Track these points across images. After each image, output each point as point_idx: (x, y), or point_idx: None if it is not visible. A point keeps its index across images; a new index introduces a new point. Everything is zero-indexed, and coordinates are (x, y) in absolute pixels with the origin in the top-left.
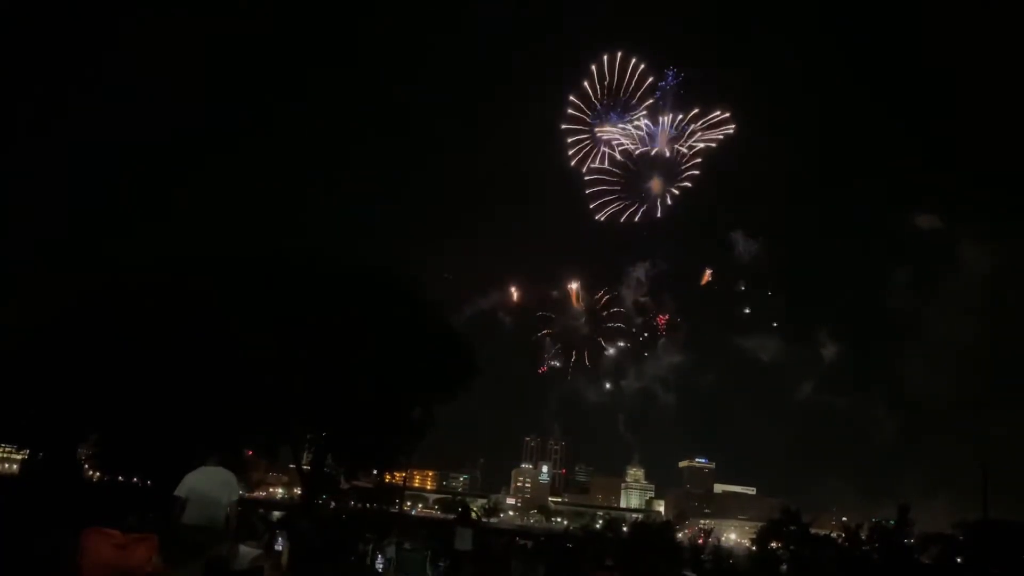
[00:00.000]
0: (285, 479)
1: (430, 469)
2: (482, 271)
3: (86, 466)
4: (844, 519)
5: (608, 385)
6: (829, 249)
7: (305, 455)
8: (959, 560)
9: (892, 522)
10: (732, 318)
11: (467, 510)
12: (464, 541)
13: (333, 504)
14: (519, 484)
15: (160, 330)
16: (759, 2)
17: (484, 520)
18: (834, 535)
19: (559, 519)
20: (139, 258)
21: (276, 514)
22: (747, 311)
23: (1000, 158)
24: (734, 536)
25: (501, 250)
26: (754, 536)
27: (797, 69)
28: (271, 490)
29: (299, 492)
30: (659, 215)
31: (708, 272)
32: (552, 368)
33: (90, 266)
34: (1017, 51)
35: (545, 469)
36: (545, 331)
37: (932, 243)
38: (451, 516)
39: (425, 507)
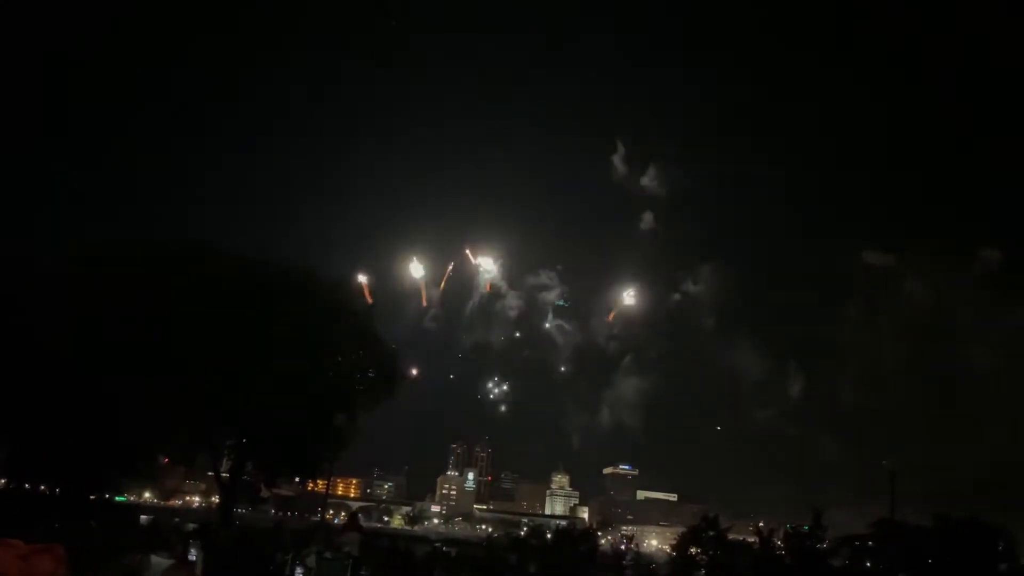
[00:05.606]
0: (203, 487)
1: (354, 477)
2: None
3: None
4: (760, 524)
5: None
6: (780, 277)
7: (224, 462)
8: (868, 564)
9: (807, 527)
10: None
11: (355, 516)
12: (352, 547)
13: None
14: (444, 491)
15: (69, 332)
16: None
17: (408, 527)
18: (751, 540)
19: (484, 526)
20: (43, 252)
21: (191, 526)
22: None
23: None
24: (655, 542)
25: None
26: (674, 542)
27: (763, 108)
28: (187, 499)
29: (216, 501)
30: None
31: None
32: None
33: None
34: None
35: (471, 476)
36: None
37: (869, 276)
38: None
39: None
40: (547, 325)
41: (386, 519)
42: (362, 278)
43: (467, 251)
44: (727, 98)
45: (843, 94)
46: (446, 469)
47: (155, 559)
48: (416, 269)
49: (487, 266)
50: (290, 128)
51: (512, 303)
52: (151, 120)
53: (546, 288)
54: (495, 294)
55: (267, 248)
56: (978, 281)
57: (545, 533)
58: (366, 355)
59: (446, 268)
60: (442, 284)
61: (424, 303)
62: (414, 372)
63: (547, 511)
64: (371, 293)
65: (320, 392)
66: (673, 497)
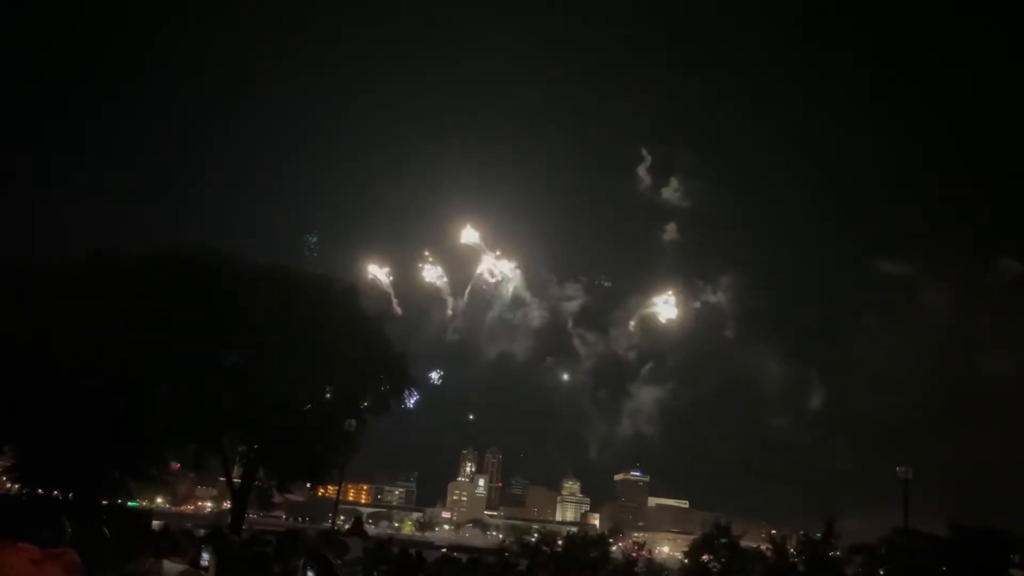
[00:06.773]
0: (214, 493)
1: (364, 482)
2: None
3: (3, 478)
4: (773, 532)
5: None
6: (798, 286)
7: (235, 468)
8: (881, 572)
9: (819, 535)
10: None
11: (359, 521)
12: (356, 550)
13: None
14: (455, 497)
15: (79, 336)
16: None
17: (419, 533)
18: (764, 548)
19: (494, 532)
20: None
21: (202, 531)
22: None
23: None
24: (667, 549)
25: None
26: (687, 549)
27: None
28: (199, 504)
29: (228, 506)
30: None
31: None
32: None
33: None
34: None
35: (481, 482)
36: None
37: (892, 286)
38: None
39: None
40: (568, 334)
41: (396, 525)
42: (384, 278)
43: (465, 226)
44: (750, 108)
45: (865, 103)
46: (457, 475)
47: (167, 564)
48: (431, 272)
49: (507, 271)
50: (319, 132)
51: (534, 312)
52: (155, 120)
53: (568, 298)
54: (517, 302)
55: (286, 253)
56: (996, 290)
57: (557, 540)
58: (376, 361)
59: (468, 279)
60: (465, 294)
61: (450, 311)
62: (434, 377)
63: (558, 517)
64: (399, 303)
65: (330, 397)
66: (685, 504)
